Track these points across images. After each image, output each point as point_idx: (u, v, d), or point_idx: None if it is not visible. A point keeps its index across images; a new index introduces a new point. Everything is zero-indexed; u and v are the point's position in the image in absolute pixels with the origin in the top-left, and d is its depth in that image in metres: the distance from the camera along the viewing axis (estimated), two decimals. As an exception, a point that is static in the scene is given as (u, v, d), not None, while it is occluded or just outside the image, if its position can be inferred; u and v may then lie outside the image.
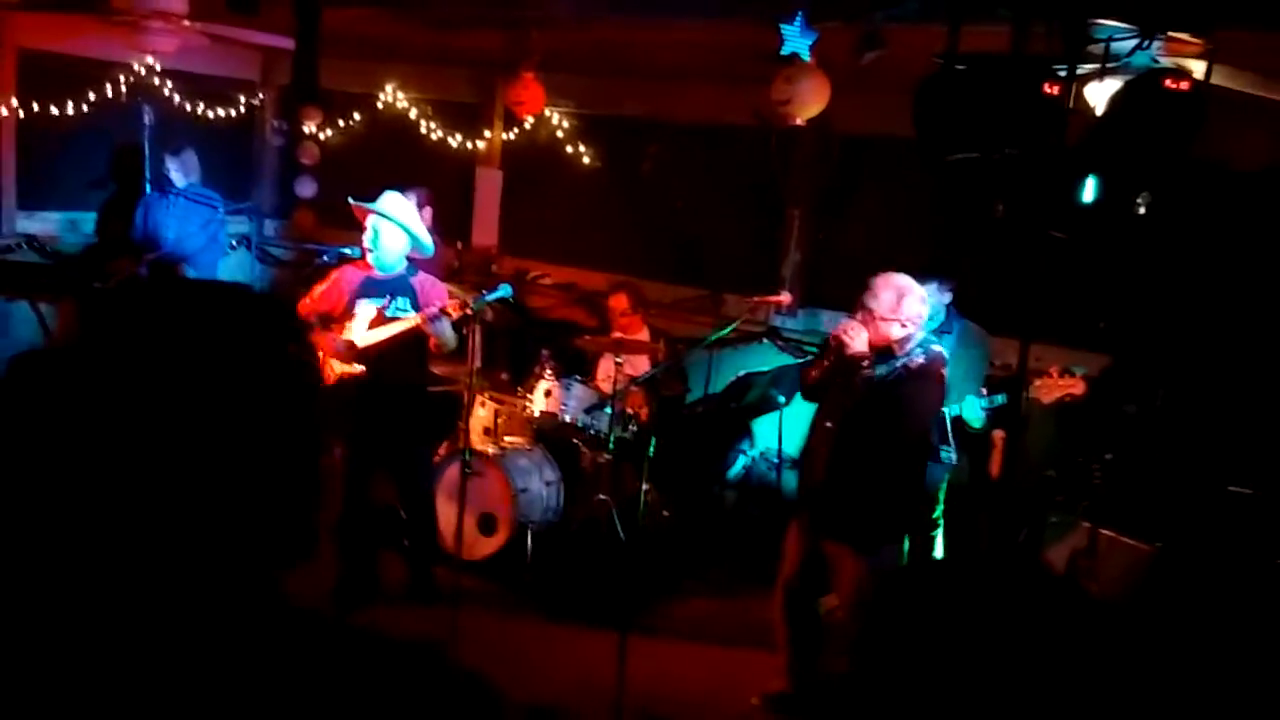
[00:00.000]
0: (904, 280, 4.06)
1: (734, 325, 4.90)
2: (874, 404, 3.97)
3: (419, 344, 4.83)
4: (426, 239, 5.02)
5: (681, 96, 7.02)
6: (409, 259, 4.98)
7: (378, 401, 4.84)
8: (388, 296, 4.84)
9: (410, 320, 4.76)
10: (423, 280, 4.98)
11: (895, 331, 4.02)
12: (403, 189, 5.66)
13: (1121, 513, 4.35)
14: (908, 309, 4.00)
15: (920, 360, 4.00)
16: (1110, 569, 4.26)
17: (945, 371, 4.08)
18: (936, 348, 4.08)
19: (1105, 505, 4.30)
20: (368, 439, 4.91)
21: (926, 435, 4.30)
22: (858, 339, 4.03)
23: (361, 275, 4.91)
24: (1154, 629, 3.85)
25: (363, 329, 4.85)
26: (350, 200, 4.93)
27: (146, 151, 7.18)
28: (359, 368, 4.84)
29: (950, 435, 4.82)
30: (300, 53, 3.82)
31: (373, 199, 4.90)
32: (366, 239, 4.86)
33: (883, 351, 4.04)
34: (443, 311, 4.67)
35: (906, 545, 4.49)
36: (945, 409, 4.56)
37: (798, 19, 3.78)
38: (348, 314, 4.86)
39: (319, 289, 4.98)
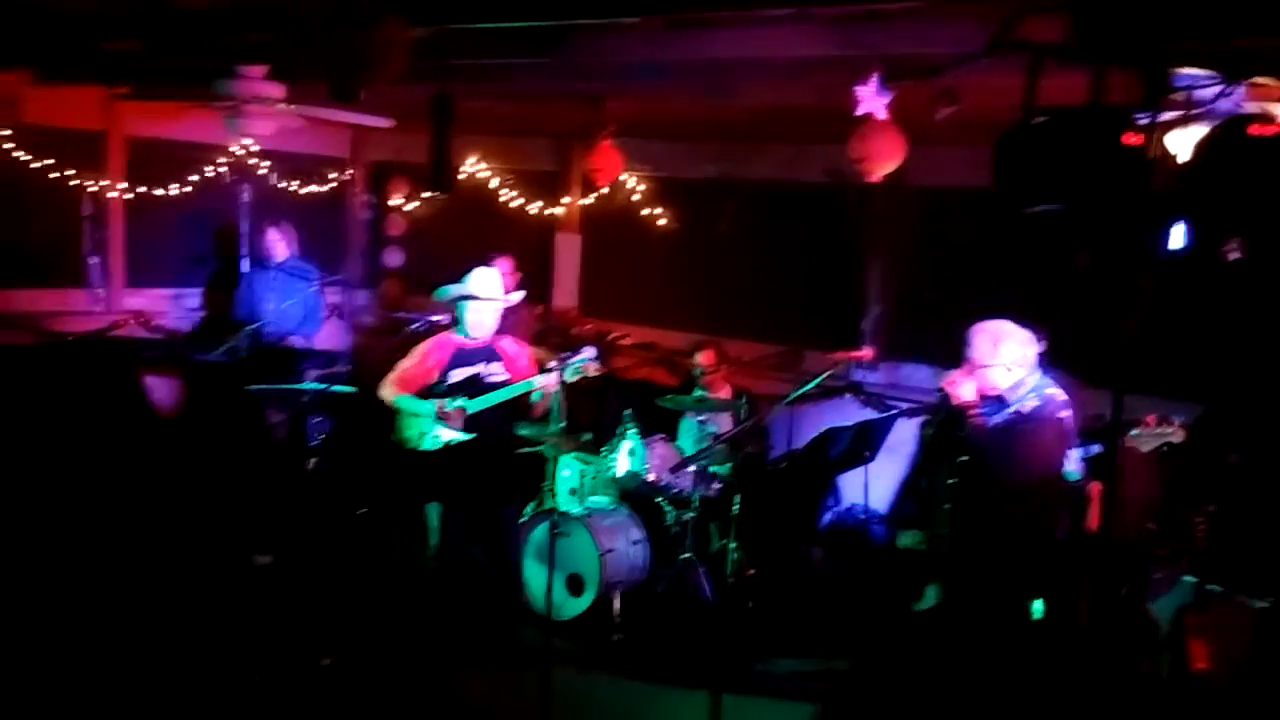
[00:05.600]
0: (999, 325, 4.03)
1: (817, 381, 4.89)
2: (987, 454, 3.92)
3: (515, 408, 4.98)
4: (515, 297, 5.24)
5: (756, 157, 7.12)
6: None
7: (477, 465, 4.98)
8: (481, 364, 5.03)
9: (536, 383, 4.92)
10: (507, 345, 5.16)
11: (1000, 378, 3.99)
12: (487, 260, 5.93)
13: (1228, 566, 4.20)
14: (1006, 353, 3.98)
15: (1033, 403, 3.94)
16: (1218, 625, 4.10)
17: (1066, 416, 3.97)
18: (1053, 391, 4.00)
19: (1211, 559, 4.15)
20: (466, 501, 5.04)
21: (1051, 482, 4.09)
22: (962, 389, 4.00)
23: (454, 346, 5.09)
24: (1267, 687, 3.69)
25: (465, 398, 5.03)
26: (438, 297, 5.15)
27: (245, 228, 7.54)
28: (468, 434, 5.00)
29: None
30: (435, 149, 4.10)
31: (456, 278, 5.09)
32: (469, 324, 5.06)
33: (995, 400, 4.01)
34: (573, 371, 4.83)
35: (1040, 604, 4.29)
36: None
37: (873, 80, 3.83)
38: (443, 384, 5.04)
39: (408, 365, 5.12)
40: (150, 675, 4.61)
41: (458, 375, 5.04)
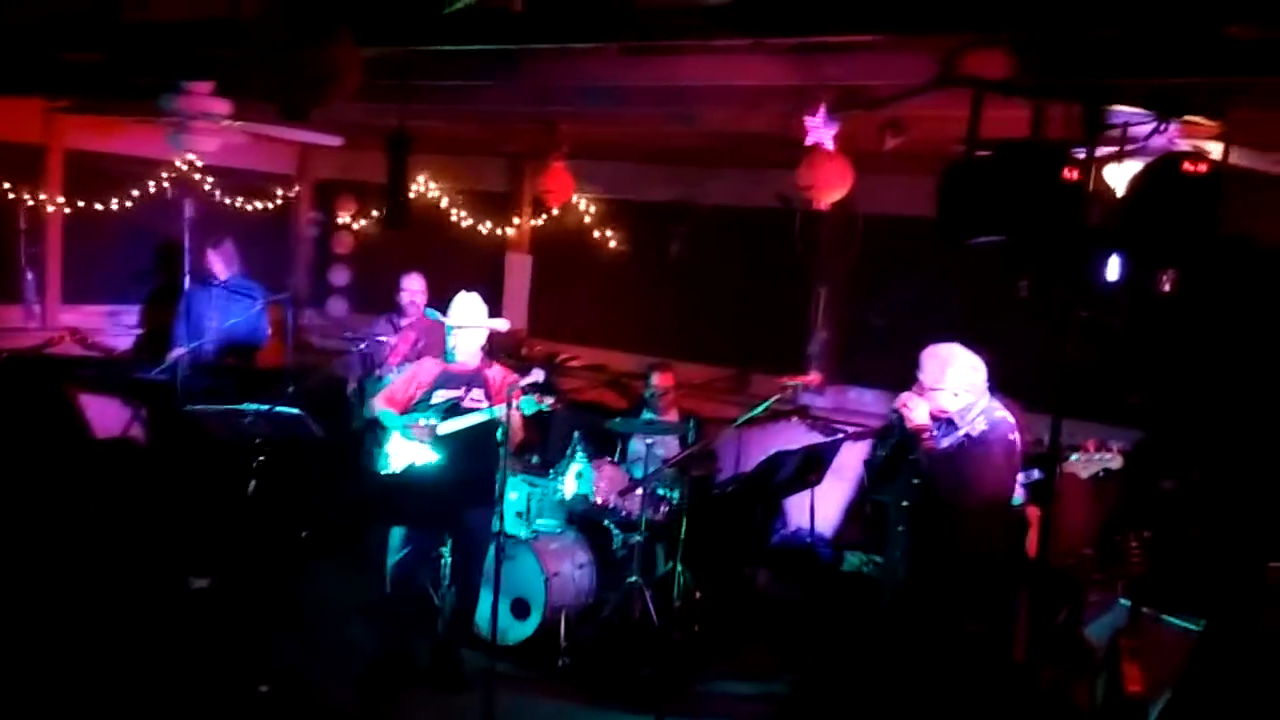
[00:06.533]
0: (949, 349, 4.10)
1: (765, 405, 4.94)
2: (938, 476, 3.97)
3: (489, 433, 4.97)
4: (501, 324, 5.34)
5: (708, 181, 7.18)
6: (483, 347, 5.25)
7: (444, 491, 4.96)
8: (464, 388, 5.07)
9: (495, 413, 4.92)
10: (494, 373, 5.22)
11: (950, 401, 4.05)
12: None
13: (1163, 591, 4.30)
14: (955, 377, 4.04)
15: (982, 427, 4.01)
16: (1152, 648, 4.20)
17: (1015, 438, 4.04)
18: (1002, 414, 4.07)
19: (1146, 583, 4.25)
20: (427, 525, 5.02)
21: (1001, 505, 4.17)
22: (916, 412, 4.06)
23: (439, 368, 5.15)
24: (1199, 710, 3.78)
25: (436, 419, 5.07)
26: (427, 314, 5.36)
27: (187, 245, 7.41)
28: (432, 454, 5.01)
29: None
30: (392, 184, 4.16)
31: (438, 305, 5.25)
32: (452, 349, 5.15)
33: (946, 423, 4.07)
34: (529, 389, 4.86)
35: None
36: None
37: (820, 111, 3.91)
38: (426, 403, 5.11)
39: (396, 383, 5.26)
40: (83, 701, 4.48)
41: (440, 397, 5.11)
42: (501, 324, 5.35)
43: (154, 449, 6.97)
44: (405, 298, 6.64)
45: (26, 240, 7.30)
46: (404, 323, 6.56)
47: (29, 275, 7.35)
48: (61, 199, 7.24)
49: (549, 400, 4.97)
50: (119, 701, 4.51)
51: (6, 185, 6.92)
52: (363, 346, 6.55)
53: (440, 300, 5.44)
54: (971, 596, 4.09)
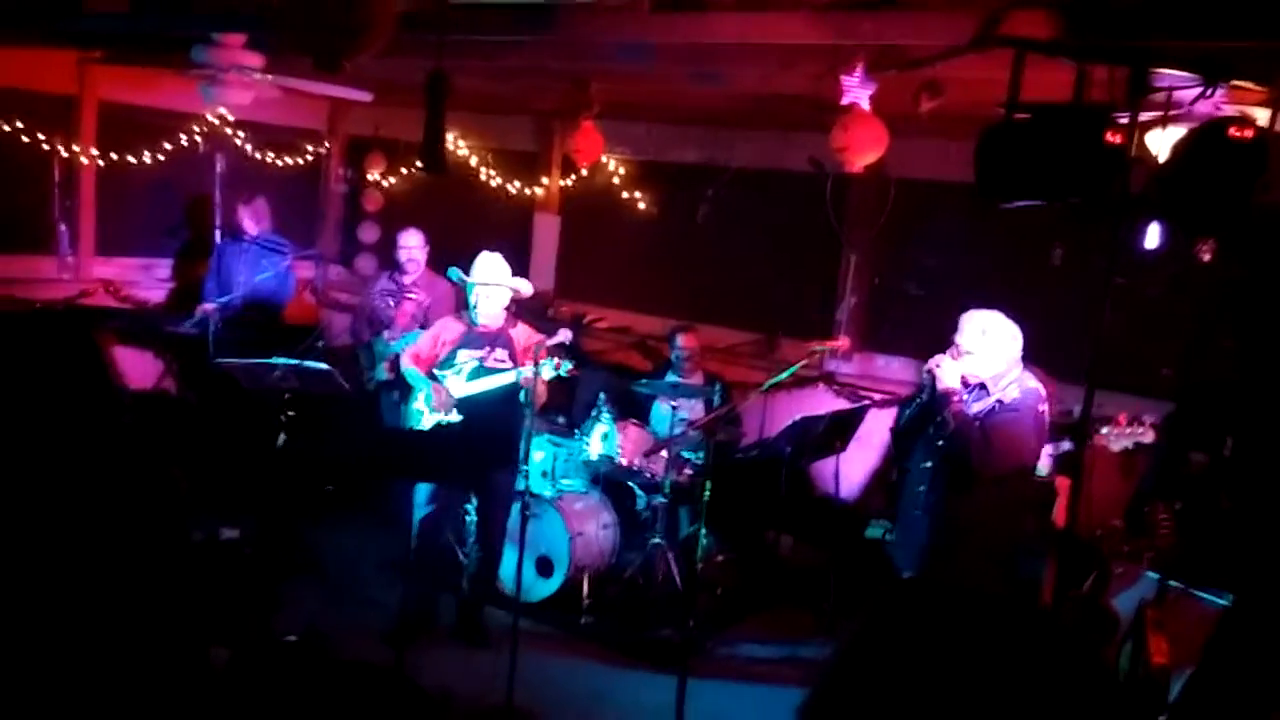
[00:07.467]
0: (989, 314, 4.07)
1: (792, 370, 4.92)
2: (967, 441, 3.95)
3: (514, 395, 4.97)
4: (524, 286, 5.28)
5: (739, 143, 7.11)
6: (507, 308, 5.22)
7: (468, 449, 4.98)
8: (487, 348, 5.04)
9: (512, 373, 4.97)
10: (520, 332, 5.19)
11: (984, 367, 4.03)
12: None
13: (1192, 564, 4.26)
14: (992, 343, 4.01)
15: (1014, 395, 3.99)
16: (1178, 622, 4.17)
17: (1044, 410, 4.02)
18: (1034, 385, 4.05)
19: (1174, 556, 4.22)
20: (453, 485, 5.04)
21: (1023, 475, 4.16)
22: (947, 374, 4.03)
23: (463, 327, 5.11)
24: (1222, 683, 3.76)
25: (461, 379, 5.06)
26: (451, 278, 5.28)
27: (218, 199, 7.44)
28: (455, 416, 5.03)
29: None
30: (429, 127, 4.14)
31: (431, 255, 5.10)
32: (474, 309, 5.11)
33: (978, 387, 4.06)
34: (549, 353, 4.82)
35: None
36: None
37: (858, 70, 3.84)
38: (448, 364, 5.11)
39: (421, 341, 5.25)
40: (110, 651, 4.55)
41: (464, 357, 5.10)
42: (524, 284, 5.30)
43: (185, 401, 7.04)
44: (404, 255, 6.39)
45: (61, 192, 7.34)
46: (406, 280, 6.44)
47: (62, 227, 7.40)
48: (95, 151, 7.27)
49: (568, 366, 4.93)
50: (146, 646, 4.58)
51: (41, 136, 6.95)
52: (391, 303, 6.53)
53: (465, 260, 5.40)
54: (989, 562, 4.08)
